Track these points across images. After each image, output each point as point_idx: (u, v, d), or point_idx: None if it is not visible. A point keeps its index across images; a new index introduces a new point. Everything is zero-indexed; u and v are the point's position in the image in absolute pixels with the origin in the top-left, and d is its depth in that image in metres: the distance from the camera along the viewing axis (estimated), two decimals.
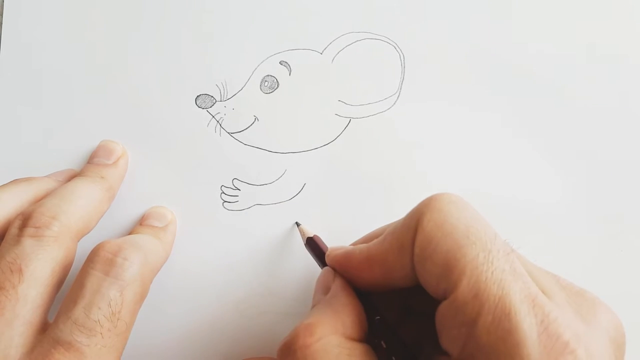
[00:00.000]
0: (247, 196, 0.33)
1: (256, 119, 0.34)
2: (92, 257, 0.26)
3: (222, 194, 0.33)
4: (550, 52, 0.34)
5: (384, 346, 0.23)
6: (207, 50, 0.34)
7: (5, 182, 0.30)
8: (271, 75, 0.34)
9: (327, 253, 0.27)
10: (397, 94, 0.34)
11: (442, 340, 0.21)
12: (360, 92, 0.34)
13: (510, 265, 0.20)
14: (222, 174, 0.33)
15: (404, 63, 0.34)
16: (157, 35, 0.34)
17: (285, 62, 0.34)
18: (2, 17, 0.34)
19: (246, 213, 0.33)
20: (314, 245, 0.30)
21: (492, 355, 0.18)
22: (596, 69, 0.34)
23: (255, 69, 0.34)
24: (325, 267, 0.27)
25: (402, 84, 0.34)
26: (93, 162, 0.32)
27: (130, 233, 0.32)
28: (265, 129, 0.34)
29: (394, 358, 0.22)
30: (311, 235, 0.31)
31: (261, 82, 0.34)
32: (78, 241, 0.28)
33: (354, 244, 0.29)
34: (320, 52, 0.34)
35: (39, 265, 0.25)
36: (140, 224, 0.32)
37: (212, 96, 0.34)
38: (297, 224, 0.33)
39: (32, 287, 0.24)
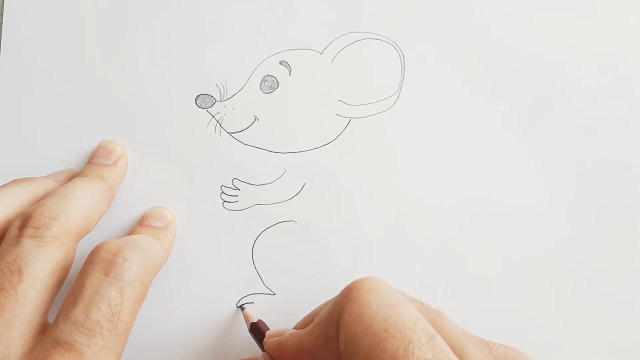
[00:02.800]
0: (247, 196, 0.33)
1: (256, 119, 0.34)
2: (92, 257, 0.26)
3: (222, 194, 0.33)
4: (551, 56, 0.34)
5: None
6: (207, 50, 0.34)
7: (5, 182, 0.30)
8: (271, 75, 0.34)
9: (265, 339, 0.27)
10: (397, 94, 0.34)
11: None
12: (360, 92, 0.34)
13: (433, 352, 0.20)
14: (222, 174, 0.33)
15: (404, 63, 0.34)
16: (157, 35, 0.34)
17: (285, 62, 0.34)
18: (2, 17, 0.34)
19: (246, 213, 0.33)
20: (257, 332, 0.30)
21: None
22: (596, 75, 0.34)
23: (255, 68, 0.34)
24: (263, 354, 0.27)
25: (402, 84, 0.34)
26: (93, 162, 0.32)
27: (130, 233, 0.32)
28: (265, 129, 0.34)
29: None
30: (255, 321, 0.30)
31: (261, 82, 0.34)
32: (78, 241, 0.28)
33: (297, 325, 0.29)
34: (320, 52, 0.34)
35: (39, 265, 0.25)
36: (140, 224, 0.32)
37: (212, 96, 0.34)
38: (242, 308, 0.32)
39: (31, 287, 0.24)
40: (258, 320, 0.30)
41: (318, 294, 0.33)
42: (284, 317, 0.33)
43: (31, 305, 0.24)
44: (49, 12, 0.34)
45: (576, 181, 0.34)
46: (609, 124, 0.34)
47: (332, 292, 0.33)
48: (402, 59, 0.34)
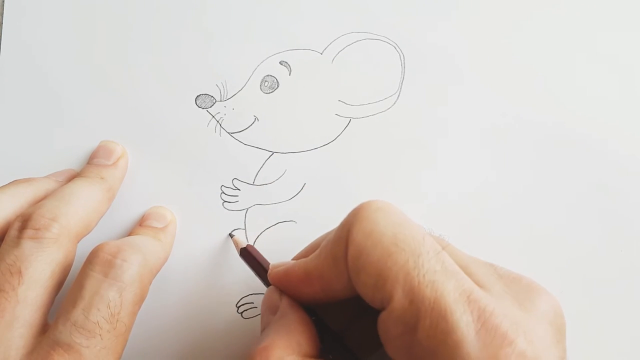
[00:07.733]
0: (247, 196, 0.33)
1: (256, 119, 0.34)
2: (91, 258, 0.26)
3: (222, 194, 0.33)
4: (552, 56, 0.34)
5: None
6: (207, 50, 0.34)
7: (5, 183, 0.30)
8: (271, 75, 0.34)
9: (269, 272, 0.27)
10: (397, 94, 0.34)
11: (388, 349, 0.21)
12: (360, 92, 0.34)
13: (442, 265, 0.20)
14: (222, 174, 0.34)
15: (404, 63, 0.34)
16: (157, 35, 0.34)
17: (285, 62, 0.34)
18: (2, 17, 0.34)
19: (246, 213, 0.33)
20: (247, 256, 0.30)
21: (435, 358, 0.19)
22: (595, 74, 0.34)
23: (255, 69, 0.34)
24: (270, 287, 0.27)
25: (402, 84, 0.34)
26: (93, 162, 0.32)
27: (129, 234, 0.32)
28: (265, 129, 0.34)
29: None
30: (244, 246, 0.30)
31: (261, 82, 0.34)
32: (78, 242, 0.28)
33: (296, 257, 0.29)
34: (320, 52, 0.34)
35: (39, 267, 0.25)
36: (140, 224, 0.32)
37: (212, 96, 0.34)
38: (231, 235, 0.33)
39: (31, 288, 0.24)
40: (247, 245, 0.30)
41: None
42: None
43: (31, 307, 0.24)
44: (49, 11, 0.34)
45: (576, 181, 0.33)
46: (608, 125, 0.34)
47: None
48: (402, 59, 0.34)
